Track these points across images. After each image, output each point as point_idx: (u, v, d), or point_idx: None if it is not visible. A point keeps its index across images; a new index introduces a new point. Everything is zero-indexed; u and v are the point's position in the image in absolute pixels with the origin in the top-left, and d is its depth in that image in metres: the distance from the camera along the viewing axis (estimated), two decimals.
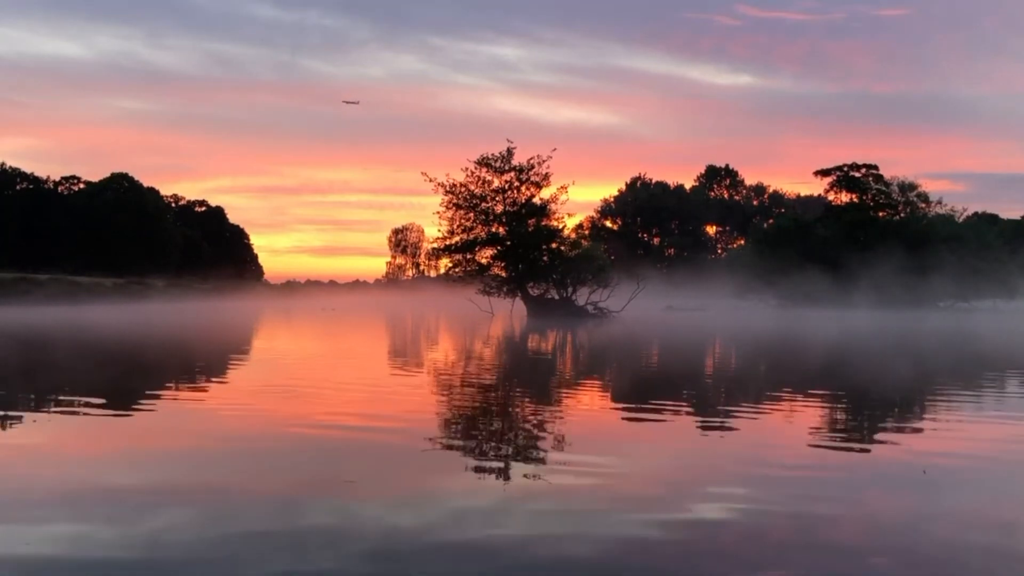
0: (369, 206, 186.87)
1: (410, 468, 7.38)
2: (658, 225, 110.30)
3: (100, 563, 4.87)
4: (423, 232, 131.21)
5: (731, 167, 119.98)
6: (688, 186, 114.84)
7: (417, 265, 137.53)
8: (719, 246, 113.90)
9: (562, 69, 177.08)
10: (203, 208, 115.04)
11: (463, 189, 50.05)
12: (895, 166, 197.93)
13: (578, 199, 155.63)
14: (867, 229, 73.39)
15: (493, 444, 8.76)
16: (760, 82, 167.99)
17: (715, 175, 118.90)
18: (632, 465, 7.65)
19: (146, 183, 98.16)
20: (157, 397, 12.63)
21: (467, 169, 50.18)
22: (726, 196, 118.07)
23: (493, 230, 50.47)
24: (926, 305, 66.01)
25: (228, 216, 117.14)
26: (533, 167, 49.75)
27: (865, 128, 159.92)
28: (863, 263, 68.11)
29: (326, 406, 11.40)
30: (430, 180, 50.01)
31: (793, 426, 10.22)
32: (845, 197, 77.62)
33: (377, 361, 20.56)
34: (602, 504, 6.14)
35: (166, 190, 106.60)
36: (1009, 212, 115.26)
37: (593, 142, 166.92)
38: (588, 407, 12.14)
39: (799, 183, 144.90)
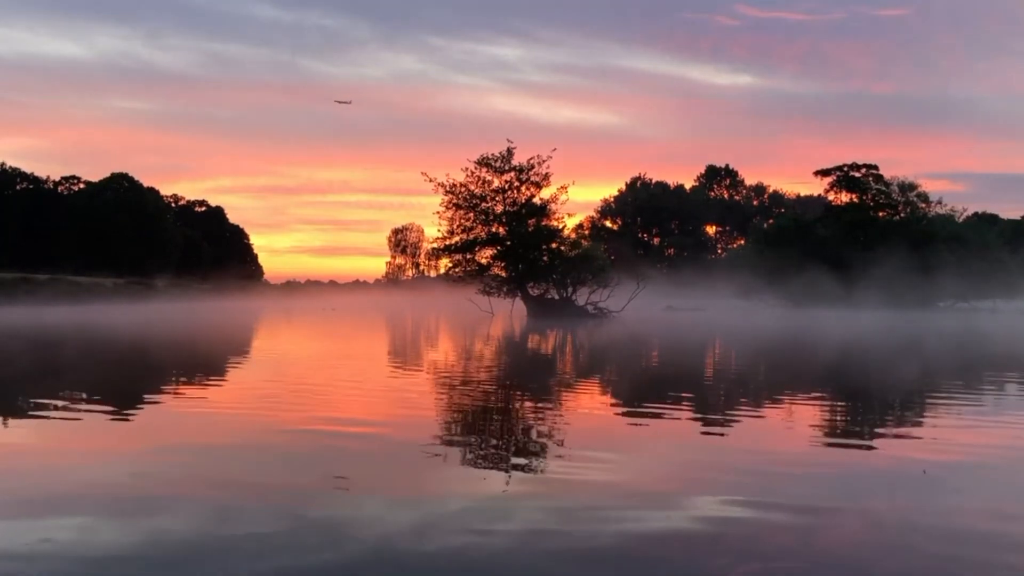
0: (369, 206, 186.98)
1: (410, 468, 7.38)
2: (658, 225, 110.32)
3: (100, 561, 4.86)
4: (423, 232, 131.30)
5: (731, 167, 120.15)
6: (688, 186, 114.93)
7: (417, 265, 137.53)
8: (719, 246, 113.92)
9: (562, 69, 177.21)
10: (203, 208, 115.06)
11: (463, 189, 50.06)
12: (895, 166, 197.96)
13: (578, 199, 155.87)
14: (867, 229, 73.42)
15: (493, 444, 8.76)
16: (760, 82, 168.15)
17: (715, 175, 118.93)
18: (632, 465, 7.65)
19: (146, 183, 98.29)
20: (158, 396, 12.63)
21: (467, 169, 50.27)
22: (726, 196, 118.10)
23: (493, 230, 50.48)
24: (926, 305, 66.02)
25: (228, 216, 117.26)
26: (533, 167, 49.81)
27: (865, 128, 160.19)
28: (863, 263, 68.12)
29: (326, 406, 11.40)
30: (430, 180, 50.10)
31: (793, 426, 10.22)
32: (845, 197, 77.64)
33: (377, 361, 20.56)
34: (602, 504, 6.13)
35: (166, 190, 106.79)
36: (1009, 212, 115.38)
37: (593, 142, 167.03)
38: (588, 407, 12.14)
39: (799, 183, 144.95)
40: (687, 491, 6.63)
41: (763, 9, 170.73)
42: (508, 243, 50.10)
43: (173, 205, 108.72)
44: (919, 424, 10.67)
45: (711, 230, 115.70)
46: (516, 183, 49.97)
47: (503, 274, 51.00)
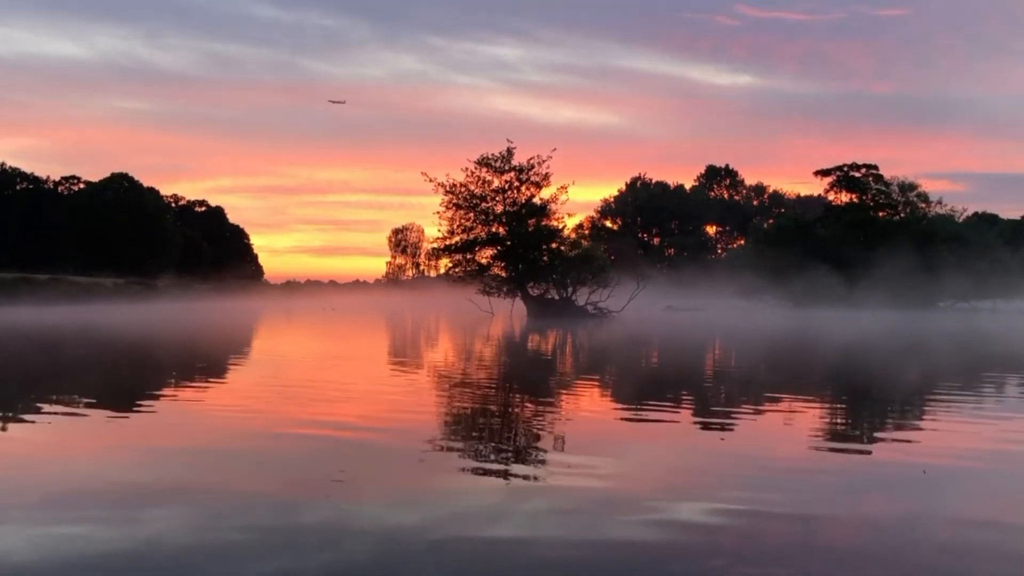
0: (369, 206, 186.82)
1: (409, 468, 7.38)
2: (658, 225, 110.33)
3: (100, 561, 4.86)
4: (423, 232, 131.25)
5: (731, 167, 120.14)
6: (688, 186, 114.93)
7: (417, 265, 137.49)
8: (719, 246, 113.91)
9: (562, 69, 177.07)
10: (203, 208, 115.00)
11: (463, 189, 50.05)
12: (895, 166, 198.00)
13: (578, 199, 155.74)
14: (867, 229, 73.42)
15: (492, 444, 8.76)
16: (760, 82, 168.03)
17: (715, 175, 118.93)
18: (632, 465, 7.65)
19: (146, 183, 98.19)
20: (159, 396, 12.63)
21: (467, 169, 50.25)
22: (726, 196, 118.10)
23: (493, 230, 50.47)
24: (926, 305, 66.03)
25: (228, 216, 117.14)
26: (533, 167, 49.79)
27: (865, 128, 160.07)
28: (863, 264, 68.13)
29: (326, 406, 11.41)
30: (430, 180, 50.09)
31: (793, 426, 10.22)
32: (845, 197, 77.65)
33: (377, 361, 20.55)
34: (602, 504, 6.13)
35: (166, 190, 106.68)
36: (1009, 212, 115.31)
37: (593, 142, 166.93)
38: (588, 408, 12.14)
39: (799, 183, 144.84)
40: (686, 492, 6.62)
41: (763, 9, 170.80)
42: (508, 243, 50.10)
43: (173, 205, 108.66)
44: (919, 424, 10.67)
45: (711, 230, 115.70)
46: (516, 183, 49.97)
47: (503, 274, 50.99)
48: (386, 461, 7.78)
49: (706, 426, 10.13)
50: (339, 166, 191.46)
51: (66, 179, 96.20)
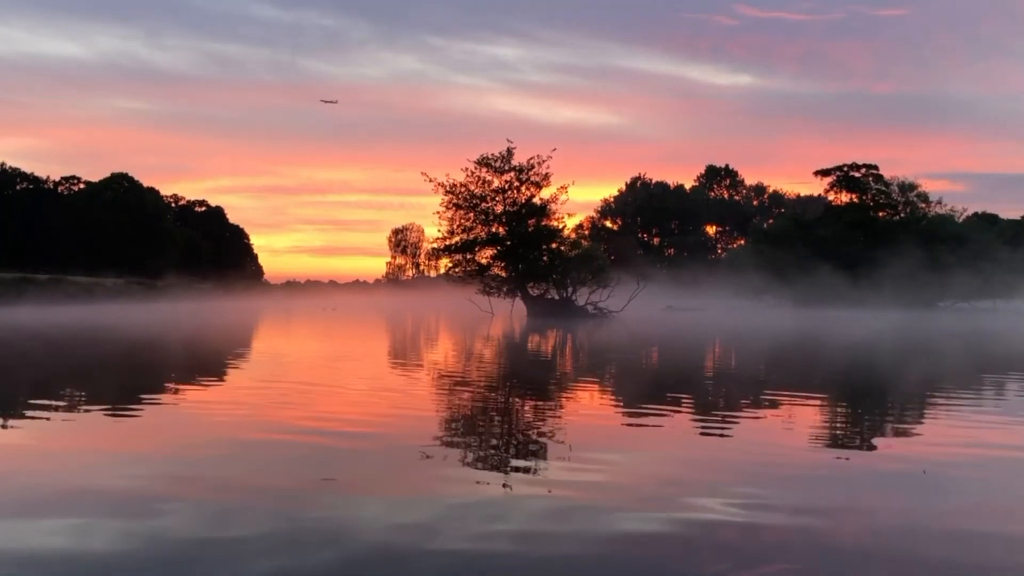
0: (369, 206, 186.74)
1: (409, 468, 7.38)
2: (658, 225, 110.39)
3: (100, 562, 4.86)
4: (423, 232, 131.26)
5: (731, 167, 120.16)
6: (688, 186, 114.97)
7: (417, 265, 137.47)
8: (719, 246, 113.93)
9: (562, 69, 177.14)
10: (203, 208, 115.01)
11: (463, 189, 50.08)
12: (895, 166, 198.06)
13: (578, 199, 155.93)
14: (867, 229, 73.44)
15: (492, 445, 8.76)
16: (760, 82, 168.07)
17: (715, 175, 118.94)
18: (630, 466, 7.65)
19: (146, 183, 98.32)
20: (160, 396, 12.62)
21: (467, 169, 50.29)
22: (726, 196, 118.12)
23: (493, 230, 50.49)
24: (926, 305, 66.04)
25: (228, 216, 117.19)
26: (533, 167, 49.83)
27: (865, 128, 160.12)
28: (863, 264, 68.14)
29: (325, 406, 11.41)
30: (430, 180, 50.13)
31: (793, 426, 10.22)
32: (845, 197, 77.71)
33: (377, 361, 20.55)
34: (601, 504, 6.13)
35: (166, 190, 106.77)
36: (1009, 212, 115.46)
37: (593, 142, 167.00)
38: (587, 408, 12.14)
39: (799, 183, 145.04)
40: (686, 492, 6.62)
41: (763, 9, 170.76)
42: (508, 243, 50.12)
43: (173, 205, 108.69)
44: (919, 424, 10.67)
45: (711, 230, 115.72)
46: (516, 183, 49.99)
47: (503, 274, 51.02)
48: (386, 461, 7.78)
49: (706, 426, 10.13)
50: (339, 166, 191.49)
51: (66, 179, 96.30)
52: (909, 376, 17.63)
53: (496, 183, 50.12)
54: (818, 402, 12.60)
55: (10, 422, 10.07)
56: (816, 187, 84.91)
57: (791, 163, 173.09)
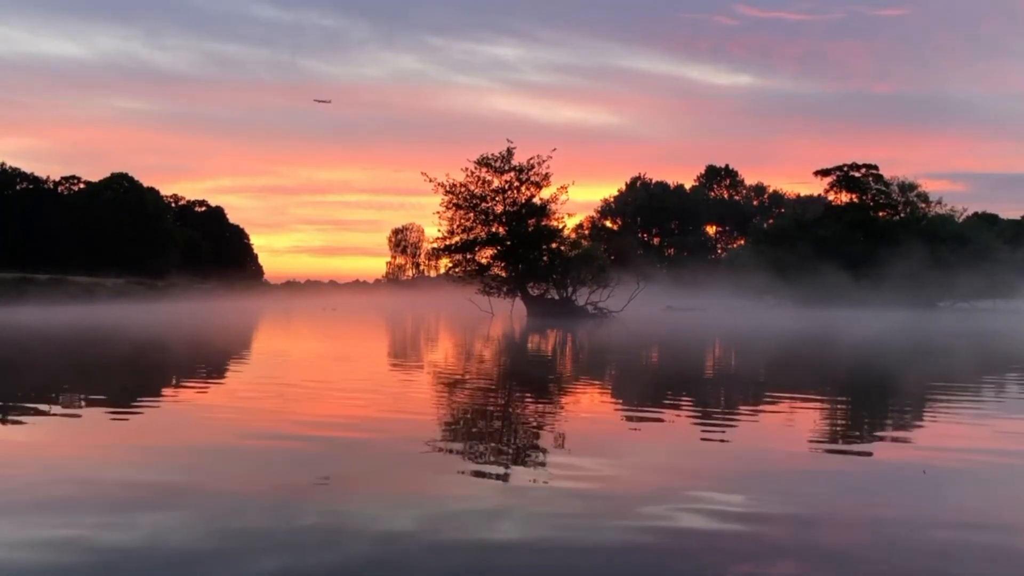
0: (369, 206, 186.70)
1: (408, 469, 7.38)
2: (658, 225, 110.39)
3: (99, 561, 4.86)
4: (423, 232, 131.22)
5: (731, 167, 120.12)
6: (688, 186, 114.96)
7: (417, 265, 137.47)
8: (719, 246, 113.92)
9: (562, 69, 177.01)
10: (203, 208, 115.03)
11: (463, 189, 50.05)
12: (895, 166, 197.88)
13: (578, 199, 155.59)
14: (867, 229, 73.42)
15: (492, 445, 8.76)
16: (759, 82, 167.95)
17: (715, 175, 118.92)
18: (631, 465, 7.65)
19: (146, 183, 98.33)
20: (160, 396, 12.63)
21: (467, 169, 50.24)
22: (726, 196, 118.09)
23: (493, 230, 50.47)
24: (926, 305, 66.02)
25: (228, 216, 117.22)
26: (533, 167, 49.79)
27: (865, 128, 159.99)
28: (863, 264, 68.12)
29: (326, 406, 11.41)
30: (430, 180, 50.09)
31: (793, 426, 10.22)
32: (845, 197, 77.67)
33: (377, 362, 20.56)
34: (601, 505, 6.13)
35: (166, 190, 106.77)
36: (1009, 212, 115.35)
37: (593, 142, 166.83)
38: (587, 408, 12.14)
39: (799, 183, 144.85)
40: (686, 491, 6.62)
41: (763, 9, 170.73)
42: (508, 243, 50.10)
43: (173, 205, 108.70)
44: (920, 424, 10.67)
45: (711, 230, 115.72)
46: (516, 183, 49.96)
47: (503, 274, 50.99)
48: (385, 461, 7.78)
49: (706, 426, 10.13)
50: (339, 166, 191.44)
51: (66, 179, 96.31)
52: (909, 376, 17.62)
53: (496, 183, 50.11)
54: (818, 402, 12.60)
55: (10, 422, 10.07)
56: (816, 187, 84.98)
57: (791, 163, 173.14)
